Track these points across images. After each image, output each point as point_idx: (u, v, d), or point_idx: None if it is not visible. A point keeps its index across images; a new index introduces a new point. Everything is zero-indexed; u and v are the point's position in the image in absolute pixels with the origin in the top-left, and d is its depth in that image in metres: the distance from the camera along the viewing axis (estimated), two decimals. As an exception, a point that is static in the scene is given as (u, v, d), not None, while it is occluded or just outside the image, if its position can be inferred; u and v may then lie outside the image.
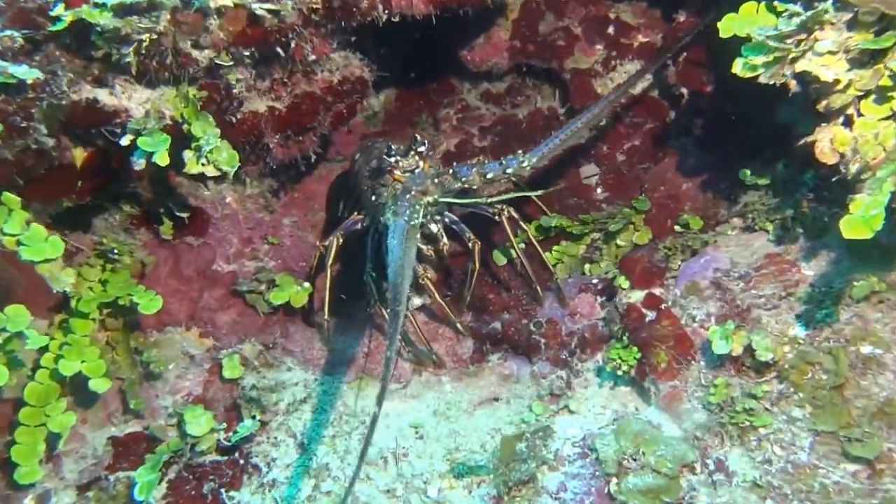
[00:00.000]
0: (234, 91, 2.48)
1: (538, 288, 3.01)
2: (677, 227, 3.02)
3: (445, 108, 3.97)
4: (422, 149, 2.63)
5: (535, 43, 3.66)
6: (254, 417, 2.63)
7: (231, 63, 2.28)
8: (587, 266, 3.12)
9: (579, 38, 3.61)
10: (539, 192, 3.17)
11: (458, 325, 2.98)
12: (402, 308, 1.98)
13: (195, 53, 2.19)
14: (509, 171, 2.55)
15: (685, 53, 3.22)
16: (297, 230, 3.11)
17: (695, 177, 3.26)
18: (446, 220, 2.78)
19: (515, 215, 2.88)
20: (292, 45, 2.37)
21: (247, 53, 2.31)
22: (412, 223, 2.36)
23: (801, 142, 2.15)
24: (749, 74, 2.18)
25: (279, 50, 2.38)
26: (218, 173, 2.29)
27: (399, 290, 2.02)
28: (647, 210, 3.10)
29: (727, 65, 2.25)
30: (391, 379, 2.89)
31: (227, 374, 2.68)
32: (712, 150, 3.24)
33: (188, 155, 2.28)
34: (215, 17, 2.11)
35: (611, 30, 3.58)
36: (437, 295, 2.82)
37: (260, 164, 2.92)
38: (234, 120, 2.56)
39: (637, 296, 2.79)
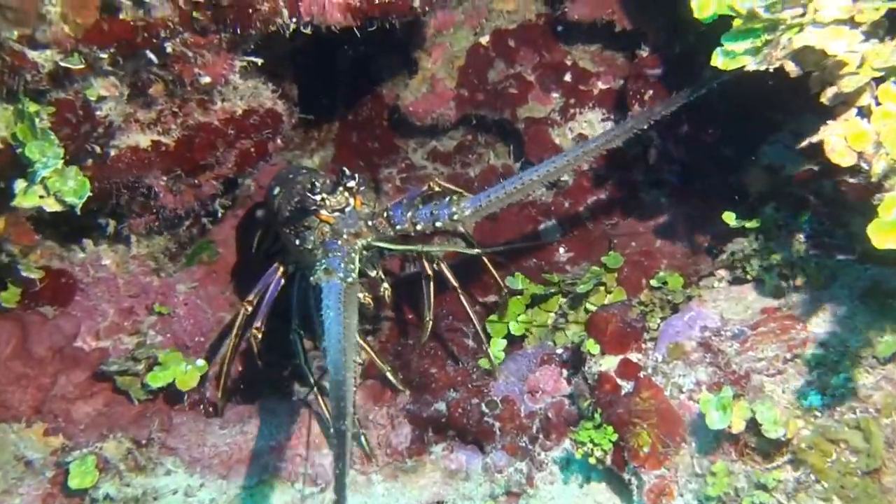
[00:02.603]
0: (100, 114, 2.01)
1: (491, 355, 2.47)
2: (654, 285, 2.53)
3: (388, 167, 3.56)
4: (351, 183, 2.18)
5: (485, 91, 3.31)
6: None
7: (82, 66, 1.81)
8: (555, 335, 2.59)
9: (533, 86, 3.27)
10: (488, 250, 2.70)
11: (390, 376, 2.39)
12: (349, 423, 1.52)
13: (31, 54, 1.72)
14: (438, 223, 2.11)
15: (651, 92, 2.87)
16: (195, 298, 2.54)
17: (671, 229, 2.82)
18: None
19: (447, 273, 2.38)
20: (168, 49, 1.93)
21: (104, 56, 1.85)
22: (349, 280, 1.93)
23: (805, 143, 1.72)
24: (732, 66, 1.78)
25: (151, 56, 1.94)
26: (60, 207, 1.77)
27: (342, 390, 1.53)
28: (619, 268, 2.62)
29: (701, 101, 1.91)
30: (306, 481, 2.26)
31: (73, 483, 2.01)
32: (688, 198, 2.83)
33: (19, 185, 1.77)
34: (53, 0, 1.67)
35: (567, 77, 3.25)
36: (360, 338, 2.24)
37: (147, 217, 2.41)
38: (102, 153, 2.08)
39: (609, 363, 2.26)
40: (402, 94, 3.42)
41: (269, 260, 2.71)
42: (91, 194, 2.21)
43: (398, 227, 2.18)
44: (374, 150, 3.66)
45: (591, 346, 2.31)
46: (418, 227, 2.15)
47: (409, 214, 2.17)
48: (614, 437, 2.09)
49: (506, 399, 2.42)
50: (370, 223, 2.18)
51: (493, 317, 2.69)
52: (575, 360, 2.47)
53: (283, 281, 2.56)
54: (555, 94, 3.26)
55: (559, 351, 2.57)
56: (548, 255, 3.05)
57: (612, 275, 2.64)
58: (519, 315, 2.73)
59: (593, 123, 3.21)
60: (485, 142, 3.55)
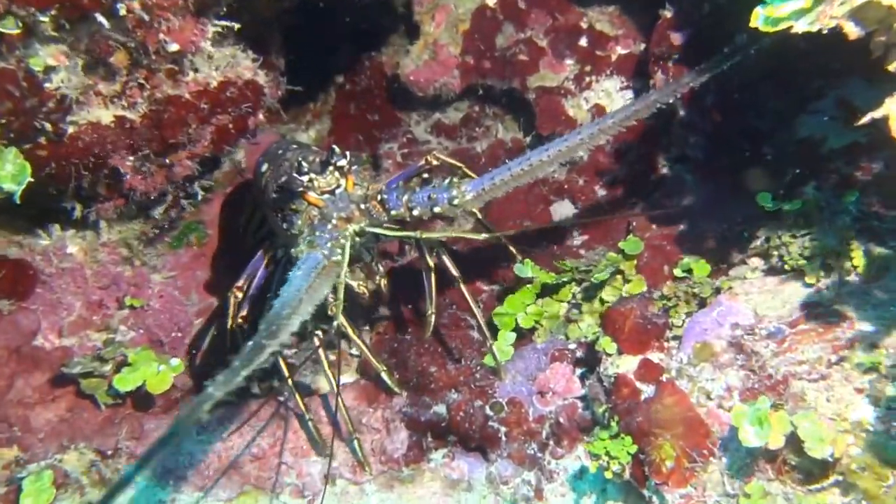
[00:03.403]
0: (50, 87, 1.77)
1: (495, 352, 2.24)
2: (677, 274, 2.27)
3: (388, 142, 3.30)
4: (342, 162, 1.98)
5: (492, 59, 3.03)
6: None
7: (18, 31, 1.57)
8: (568, 327, 2.35)
9: (545, 52, 2.98)
10: (494, 234, 2.45)
11: (385, 376, 2.17)
12: (273, 344, 1.42)
13: (-45, 16, 1.49)
14: (437, 208, 1.91)
15: (675, 57, 2.57)
16: (170, 289, 2.32)
17: (695, 210, 2.54)
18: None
19: (449, 263, 2.14)
20: (121, 11, 1.68)
21: (45, 20, 1.60)
22: (333, 258, 1.79)
23: (866, 119, 1.43)
24: (776, 27, 1.50)
25: (102, 20, 1.69)
26: (-2, 194, 1.55)
27: (279, 325, 1.44)
28: (639, 254, 2.36)
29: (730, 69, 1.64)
30: (289, 491, 2.05)
31: (25, 502, 1.80)
32: (716, 175, 2.54)
33: (-54, 168, 1.55)
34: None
35: (583, 41, 2.96)
36: (352, 331, 2.12)
37: (116, 201, 2.18)
38: (56, 130, 1.84)
39: (628, 364, 2.02)
40: (402, 61, 3.15)
41: (259, 243, 2.49)
42: (50, 175, 2.00)
43: (393, 212, 1.97)
44: (373, 122, 3.41)
45: (607, 345, 2.07)
46: (415, 213, 1.95)
47: (406, 198, 1.95)
48: (633, 449, 1.86)
49: (512, 401, 2.20)
50: (363, 206, 1.98)
51: (499, 308, 2.45)
52: (589, 358, 2.23)
53: (270, 267, 2.34)
54: (569, 61, 2.97)
55: (572, 346, 2.33)
56: (560, 239, 2.80)
57: (630, 262, 2.38)
58: (528, 305, 2.48)
59: (611, 93, 2.93)
60: (493, 114, 3.28)
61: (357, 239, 1.98)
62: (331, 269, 1.76)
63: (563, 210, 2.86)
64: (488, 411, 2.18)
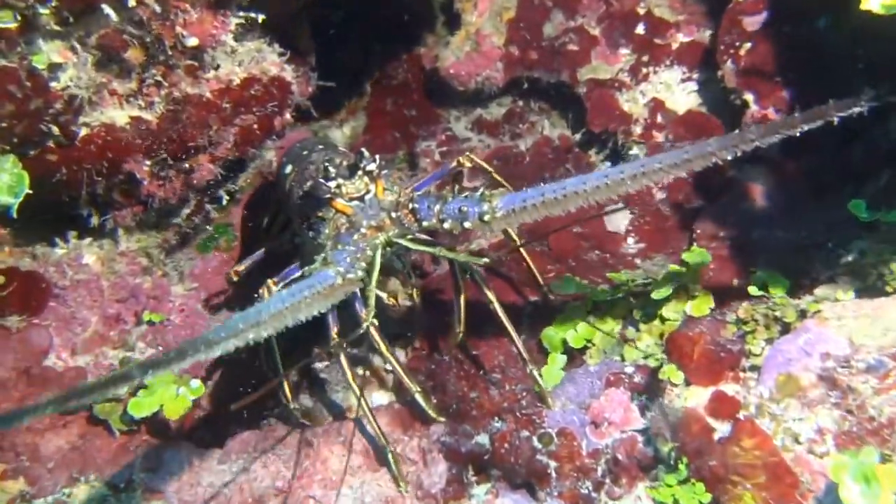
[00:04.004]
0: (57, 86, 1.61)
1: (539, 378, 2.03)
2: (752, 292, 2.01)
3: (426, 140, 3.09)
4: (371, 166, 1.84)
5: (539, 49, 2.79)
6: None
7: (16, 25, 1.40)
8: (624, 348, 2.12)
9: (598, 41, 2.73)
10: (524, 244, 2.25)
11: (420, 399, 1.99)
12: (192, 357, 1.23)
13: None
14: (467, 223, 1.72)
15: (748, 46, 2.30)
16: (192, 302, 2.15)
17: (770, 217, 2.27)
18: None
19: (482, 285, 2.02)
20: (130, 2, 1.50)
21: (45, 12, 1.44)
22: (349, 276, 1.64)
23: None
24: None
25: (110, 12, 1.51)
26: (-6, 206, 1.39)
27: (217, 339, 1.26)
28: (705, 266, 2.10)
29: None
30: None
31: (32, 545, 1.67)
32: (794, 178, 2.27)
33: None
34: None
35: (640, 28, 2.70)
36: (384, 348, 1.96)
37: (133, 208, 2.02)
38: (67, 133, 1.68)
39: (698, 397, 1.77)
40: (441, 53, 2.93)
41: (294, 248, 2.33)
42: (61, 181, 1.85)
43: (424, 222, 1.81)
44: (411, 118, 3.20)
45: (673, 373, 1.83)
46: (446, 225, 1.77)
47: (437, 208, 1.78)
48: (706, 499, 1.62)
49: (563, 432, 1.97)
50: (393, 215, 1.83)
51: (548, 329, 2.22)
52: (649, 383, 1.99)
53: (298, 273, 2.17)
54: (624, 51, 2.72)
55: (629, 369, 2.09)
56: (612, 246, 2.55)
57: (695, 276, 2.12)
58: (579, 323, 2.25)
59: (671, 85, 2.66)
60: (538, 109, 3.04)
61: (388, 249, 1.84)
62: (340, 288, 1.60)
63: (616, 215, 2.61)
64: (536, 443, 1.96)
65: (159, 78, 1.84)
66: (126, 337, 2.03)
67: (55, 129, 1.67)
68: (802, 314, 1.79)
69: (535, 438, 1.97)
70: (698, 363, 1.80)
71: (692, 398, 1.77)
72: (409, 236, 1.83)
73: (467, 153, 2.40)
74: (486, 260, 1.80)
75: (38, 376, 1.85)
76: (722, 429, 1.70)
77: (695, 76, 2.62)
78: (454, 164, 2.34)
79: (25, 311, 1.90)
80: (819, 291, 1.90)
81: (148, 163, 1.90)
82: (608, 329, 2.24)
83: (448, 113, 3.17)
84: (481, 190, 1.73)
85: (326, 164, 1.85)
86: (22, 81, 1.53)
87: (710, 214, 2.40)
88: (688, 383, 1.80)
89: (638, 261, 2.48)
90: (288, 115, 2.09)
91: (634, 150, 2.66)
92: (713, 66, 2.47)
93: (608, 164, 2.82)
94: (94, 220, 2.07)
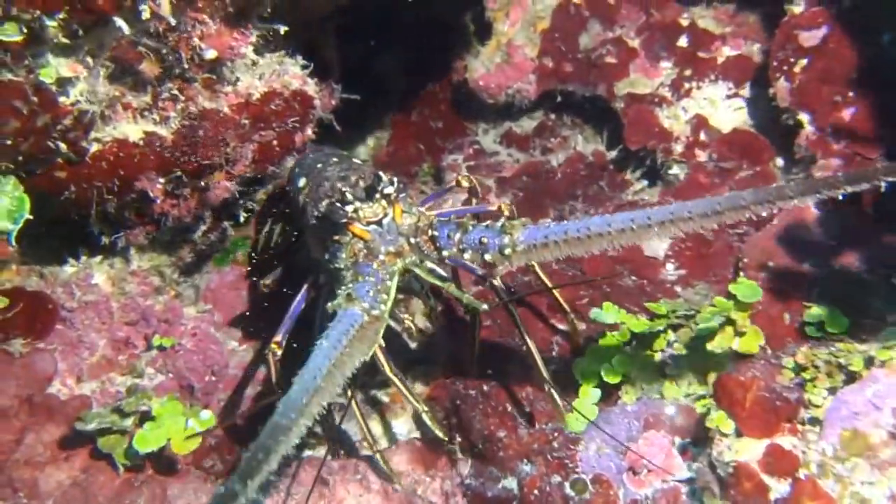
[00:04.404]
0: (66, 101, 1.50)
1: (562, 413, 1.90)
2: (809, 332, 1.84)
3: (452, 153, 2.96)
4: (389, 189, 1.77)
5: (575, 61, 2.65)
6: None
7: (20, 38, 1.29)
8: (664, 385, 1.97)
9: (637, 53, 2.59)
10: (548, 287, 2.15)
11: (427, 419, 1.91)
12: (293, 423, 1.21)
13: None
14: (487, 255, 1.66)
15: (804, 63, 2.14)
16: (205, 325, 2.04)
17: (826, 245, 2.10)
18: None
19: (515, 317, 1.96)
20: (144, 14, 1.39)
21: (52, 24, 1.33)
22: (374, 312, 1.55)
23: None
24: None
25: (121, 25, 1.40)
26: (-8, 231, 1.28)
27: (277, 441, 1.18)
28: (755, 301, 1.94)
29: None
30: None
31: None
32: (853, 204, 2.09)
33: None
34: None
35: (683, 41, 2.56)
36: (389, 369, 1.87)
37: (146, 227, 1.91)
38: (77, 150, 1.58)
39: (750, 449, 1.62)
40: (471, 64, 2.80)
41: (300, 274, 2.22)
42: (70, 200, 1.75)
43: (444, 251, 1.74)
44: (437, 130, 3.08)
45: (722, 422, 1.67)
46: (466, 256, 1.71)
47: (458, 237, 1.71)
48: (761, 568, 1.46)
49: (598, 479, 1.82)
50: (412, 240, 1.77)
51: (580, 361, 2.08)
52: (694, 429, 1.84)
53: (311, 292, 2.07)
54: (665, 64, 2.57)
55: (669, 409, 1.93)
56: (650, 272, 2.39)
57: (743, 312, 1.97)
58: (614, 356, 2.10)
59: (715, 101, 2.51)
60: (571, 123, 2.91)
61: (404, 276, 1.76)
62: (370, 327, 1.53)
63: (654, 239, 2.46)
64: (569, 490, 1.82)
65: (175, 92, 1.73)
66: (134, 363, 1.92)
67: (63, 147, 1.57)
68: (870, 362, 1.62)
69: (567, 485, 1.82)
70: (751, 412, 1.64)
71: (744, 451, 1.62)
72: (426, 266, 1.76)
73: (464, 173, 2.33)
74: (485, 307, 1.69)
75: (42, 405, 1.74)
76: (779, 488, 1.54)
77: (742, 92, 2.47)
78: (452, 184, 2.32)
79: (30, 334, 1.79)
80: (889, 334, 1.73)
81: (162, 180, 1.79)
82: (646, 363, 2.10)
83: (476, 126, 3.04)
84: (502, 220, 1.64)
85: (342, 187, 1.79)
86: (28, 97, 1.43)
87: (759, 241, 2.24)
88: (739, 434, 1.65)
89: (678, 288, 2.33)
90: (309, 131, 1.97)
91: (674, 170, 2.51)
92: (763, 83, 2.32)
93: (645, 182, 2.68)
94: (105, 239, 1.97)
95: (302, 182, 2.07)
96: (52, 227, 2.00)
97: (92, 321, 1.88)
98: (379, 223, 1.74)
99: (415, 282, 1.88)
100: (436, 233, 1.71)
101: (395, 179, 1.76)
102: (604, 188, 2.74)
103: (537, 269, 2.22)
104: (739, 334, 1.96)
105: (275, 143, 1.92)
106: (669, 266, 2.38)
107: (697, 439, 1.80)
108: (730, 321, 1.97)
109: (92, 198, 1.73)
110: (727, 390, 1.70)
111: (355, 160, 2.22)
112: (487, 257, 1.65)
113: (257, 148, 1.90)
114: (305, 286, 2.07)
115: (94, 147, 1.69)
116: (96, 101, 1.61)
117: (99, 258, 2.00)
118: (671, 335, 2.12)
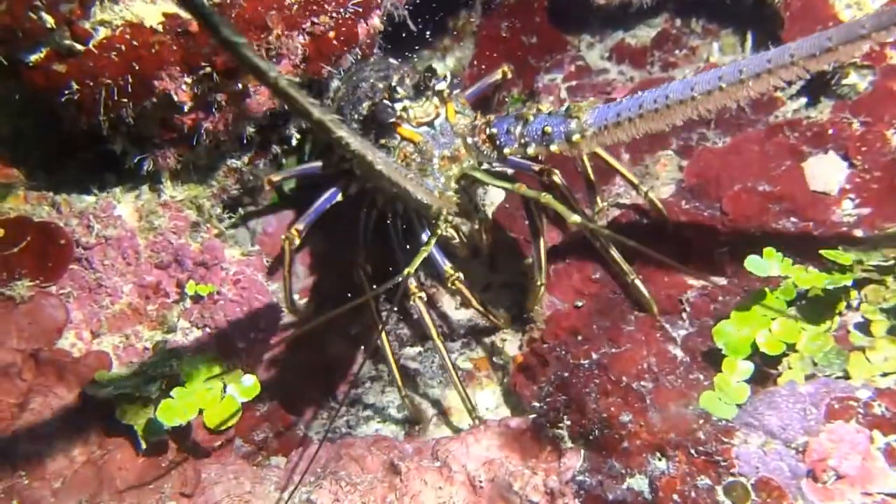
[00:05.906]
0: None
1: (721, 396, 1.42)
2: None
3: (549, 73, 2.45)
4: (441, 86, 1.59)
5: (714, -59, 2.06)
6: None
7: None
8: (849, 359, 1.45)
9: (801, -75, 1.97)
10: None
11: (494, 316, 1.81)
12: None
13: None
14: (553, 146, 1.48)
15: None
16: (251, 269, 1.63)
17: None
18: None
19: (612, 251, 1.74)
20: None
21: None
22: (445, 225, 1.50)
23: None
24: None
25: None
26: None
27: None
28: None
29: None
30: None
31: None
32: None
33: None
34: None
35: None
36: (474, 300, 1.77)
37: (176, 146, 1.54)
38: (75, 34, 1.19)
39: None
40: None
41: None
42: (73, 102, 1.38)
43: (506, 149, 1.56)
44: (530, 47, 2.59)
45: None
46: (529, 150, 1.54)
47: (519, 130, 1.53)
48: None
49: (765, 484, 1.33)
50: (469, 141, 1.57)
51: (724, 323, 1.58)
52: (904, 421, 1.31)
53: (338, 197, 1.84)
54: (841, -63, 1.94)
55: (862, 393, 1.42)
56: (819, 211, 1.84)
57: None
58: (774, 320, 1.58)
59: (913, -18, 1.87)
60: (702, 29, 2.32)
61: (461, 183, 1.58)
62: (436, 201, 1.41)
63: (824, 168, 1.88)
64: (721, 497, 1.34)
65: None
66: (165, 313, 1.56)
67: (51, 21, 1.18)
68: None
69: (719, 490, 1.35)
70: None
71: None
72: (486, 171, 1.57)
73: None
74: (549, 196, 1.47)
75: (50, 362, 1.39)
76: None
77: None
78: (498, 76, 2.20)
79: (38, 274, 1.44)
80: None
81: (188, 80, 1.38)
82: (820, 331, 1.56)
83: (578, 39, 2.51)
84: (567, 104, 1.46)
85: (392, 83, 1.55)
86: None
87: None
88: None
89: (859, 233, 1.76)
90: (376, 19, 1.51)
91: (852, 78, 1.91)
92: None
93: (803, 99, 2.08)
94: (129, 163, 1.60)
95: (334, 85, 1.81)
96: (69, 148, 1.65)
97: (113, 261, 1.53)
98: (431, 124, 1.56)
99: (462, 192, 1.63)
100: (494, 130, 1.53)
101: (449, 74, 1.58)
102: (744, 108, 2.17)
103: (657, 202, 1.88)
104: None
105: (331, 35, 1.47)
106: (847, 203, 1.81)
107: (914, 436, 1.28)
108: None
109: (100, 100, 1.34)
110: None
111: (392, 60, 1.94)
112: (554, 147, 1.46)
113: (310, 41, 1.46)
114: (333, 191, 1.81)
115: (101, 32, 1.31)
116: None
117: (121, 187, 1.64)
118: (855, 294, 1.58)
